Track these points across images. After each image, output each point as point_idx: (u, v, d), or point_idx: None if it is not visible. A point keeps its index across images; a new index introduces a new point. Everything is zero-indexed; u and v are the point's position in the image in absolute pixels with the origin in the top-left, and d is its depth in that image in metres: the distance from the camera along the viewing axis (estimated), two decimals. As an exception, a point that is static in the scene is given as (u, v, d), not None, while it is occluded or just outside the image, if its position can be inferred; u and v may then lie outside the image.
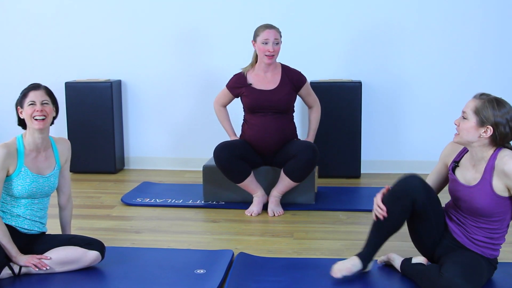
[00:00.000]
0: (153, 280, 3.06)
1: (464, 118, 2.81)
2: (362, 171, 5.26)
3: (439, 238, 2.99)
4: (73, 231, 3.49)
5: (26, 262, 3.04)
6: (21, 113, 3.11)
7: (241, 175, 4.19)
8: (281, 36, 4.22)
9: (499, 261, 3.05)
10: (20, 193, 3.08)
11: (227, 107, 4.46)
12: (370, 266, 3.08)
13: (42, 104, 3.08)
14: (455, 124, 2.86)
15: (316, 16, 5.29)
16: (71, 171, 5.40)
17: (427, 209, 2.94)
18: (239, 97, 4.35)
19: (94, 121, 5.36)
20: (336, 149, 5.14)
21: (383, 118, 5.34)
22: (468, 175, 2.90)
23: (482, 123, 2.77)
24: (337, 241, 3.68)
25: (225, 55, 5.39)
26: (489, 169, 2.82)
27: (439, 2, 5.17)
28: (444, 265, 2.80)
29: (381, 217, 2.94)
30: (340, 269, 3.00)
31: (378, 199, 2.98)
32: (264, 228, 3.96)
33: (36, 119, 3.06)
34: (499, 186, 2.80)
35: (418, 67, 5.26)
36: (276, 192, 4.24)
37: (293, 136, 4.35)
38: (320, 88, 5.09)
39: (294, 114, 4.39)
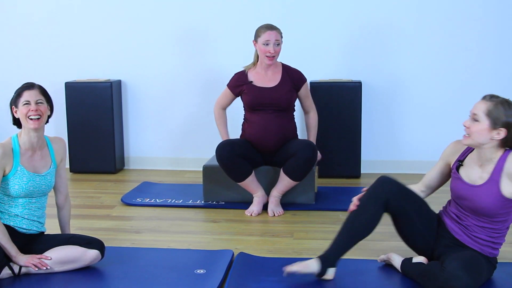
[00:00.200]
0: (153, 280, 3.06)
1: (476, 120, 2.80)
2: (362, 171, 5.26)
3: (431, 238, 3.00)
4: (73, 231, 3.50)
5: (26, 262, 3.04)
6: (15, 112, 3.12)
7: (243, 174, 4.19)
8: (282, 37, 4.23)
9: (499, 261, 3.05)
10: (17, 192, 3.08)
11: (227, 110, 4.47)
12: (330, 272, 2.96)
13: (36, 103, 3.08)
14: (465, 126, 2.84)
15: (316, 16, 5.29)
16: (71, 171, 5.41)
17: (407, 211, 2.97)
18: (240, 96, 4.35)
19: (94, 121, 5.36)
20: (336, 149, 5.14)
21: (383, 118, 5.34)
22: (473, 174, 2.90)
23: (494, 125, 2.77)
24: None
25: (226, 55, 5.39)
26: (498, 171, 2.83)
27: (439, 2, 5.17)
28: (445, 261, 2.81)
29: (354, 207, 2.96)
30: (294, 266, 2.95)
31: (355, 198, 3.01)
32: (264, 228, 3.96)
33: (31, 119, 3.06)
34: (506, 188, 2.81)
35: (418, 67, 5.26)
36: (276, 192, 4.24)
37: (293, 135, 4.35)
38: (320, 88, 5.09)
39: (294, 114, 4.39)
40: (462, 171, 2.95)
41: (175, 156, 5.61)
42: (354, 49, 5.29)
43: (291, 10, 5.30)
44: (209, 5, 5.39)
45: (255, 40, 4.23)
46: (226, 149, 4.15)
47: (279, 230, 3.92)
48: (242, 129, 4.38)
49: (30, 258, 3.05)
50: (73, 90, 5.37)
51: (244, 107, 4.37)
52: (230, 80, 4.38)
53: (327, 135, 5.10)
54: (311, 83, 5.08)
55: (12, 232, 3.09)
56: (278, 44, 4.19)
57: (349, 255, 3.23)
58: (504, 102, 2.78)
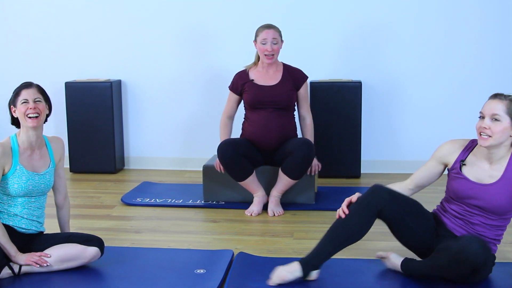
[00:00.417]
0: (153, 280, 3.06)
1: (497, 120, 2.80)
2: (362, 171, 5.26)
3: (431, 238, 2.99)
4: (73, 231, 3.49)
5: (26, 260, 3.05)
6: (14, 111, 3.12)
7: (244, 174, 4.19)
8: (281, 36, 4.23)
9: (499, 261, 3.05)
10: (16, 191, 3.08)
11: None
12: (314, 275, 2.97)
13: (34, 101, 3.09)
14: (484, 128, 2.82)
15: (316, 16, 5.29)
16: (71, 171, 5.41)
17: (402, 218, 2.97)
18: (241, 96, 4.36)
19: (94, 121, 5.36)
20: (336, 149, 5.14)
21: (383, 118, 5.34)
22: (481, 173, 2.91)
23: None
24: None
25: (226, 55, 5.39)
26: (511, 169, 2.85)
27: (438, 2, 5.17)
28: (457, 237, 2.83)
29: (342, 215, 2.94)
30: (278, 276, 2.94)
31: (345, 202, 2.99)
32: (264, 228, 3.96)
33: (29, 117, 3.06)
34: None
35: (418, 67, 5.26)
36: (276, 192, 4.24)
37: (293, 134, 4.35)
38: (320, 88, 5.10)
39: (294, 114, 4.40)
40: (467, 171, 2.94)
41: (175, 156, 5.61)
42: (354, 49, 5.29)
43: (291, 10, 5.30)
44: (209, 5, 5.39)
45: (255, 40, 4.25)
46: (228, 148, 4.16)
47: (279, 230, 3.92)
48: (242, 128, 4.39)
49: (30, 256, 3.06)
50: (73, 90, 5.37)
51: (244, 106, 4.38)
52: (231, 82, 4.39)
53: (327, 135, 5.11)
54: (311, 83, 5.08)
55: (12, 231, 3.09)
56: (276, 43, 4.19)
57: (349, 255, 3.24)
58: None
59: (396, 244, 3.32)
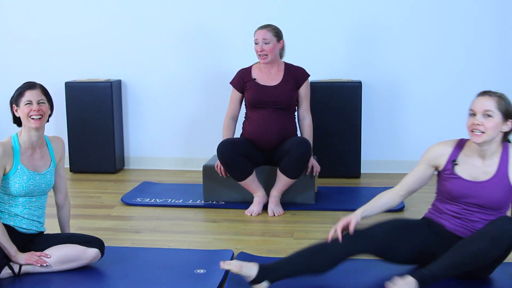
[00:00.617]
0: (153, 280, 3.06)
1: (489, 116, 2.82)
2: (362, 171, 5.26)
3: (428, 247, 2.98)
4: (73, 231, 3.50)
5: (26, 260, 3.05)
6: (16, 111, 3.12)
7: (244, 173, 4.19)
8: (276, 36, 4.23)
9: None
10: (17, 191, 3.08)
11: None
12: (265, 284, 2.88)
13: (38, 103, 3.09)
14: (478, 124, 2.83)
15: (316, 16, 5.29)
16: (71, 171, 5.41)
17: (395, 247, 2.95)
18: (243, 94, 4.36)
19: (94, 121, 5.37)
20: (336, 149, 5.14)
21: (383, 118, 5.34)
22: (474, 171, 2.92)
23: (506, 118, 2.84)
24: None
25: (226, 55, 5.39)
26: (504, 163, 2.88)
27: (439, 2, 5.17)
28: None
29: (329, 237, 2.91)
30: (235, 264, 2.89)
31: (339, 226, 2.93)
32: (264, 228, 3.96)
33: (33, 118, 3.07)
34: None
35: (418, 67, 5.26)
36: (275, 192, 4.24)
37: (293, 134, 4.35)
38: (320, 88, 5.10)
39: (295, 114, 4.40)
40: (460, 170, 2.95)
41: (176, 156, 5.61)
42: (354, 49, 5.29)
43: (291, 11, 5.30)
44: (209, 5, 5.39)
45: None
46: (228, 148, 4.16)
47: (279, 230, 3.92)
48: (243, 128, 4.39)
49: (30, 256, 3.06)
50: (73, 90, 5.37)
51: (245, 105, 4.38)
52: (233, 79, 4.40)
53: (327, 135, 5.11)
54: (311, 83, 5.07)
55: (12, 231, 3.09)
56: (268, 43, 4.20)
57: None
58: (502, 95, 2.88)
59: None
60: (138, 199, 4.55)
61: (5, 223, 3.08)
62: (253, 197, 4.28)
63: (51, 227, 3.45)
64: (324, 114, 5.08)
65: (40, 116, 3.08)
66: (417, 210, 4.08)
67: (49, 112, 3.16)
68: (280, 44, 4.27)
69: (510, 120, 2.85)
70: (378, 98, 5.31)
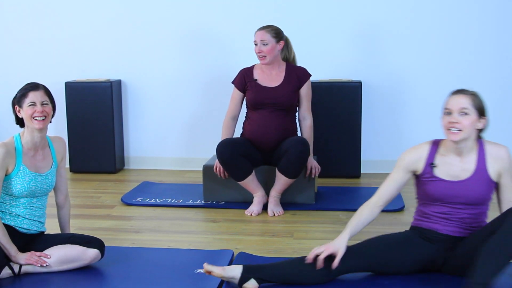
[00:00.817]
0: (153, 280, 3.06)
1: (466, 114, 2.85)
2: (362, 171, 5.26)
3: (420, 255, 2.98)
4: (73, 231, 3.50)
5: (26, 260, 3.05)
6: (19, 112, 3.11)
7: (243, 173, 4.19)
8: (276, 37, 4.21)
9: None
10: (19, 192, 3.08)
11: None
12: (253, 283, 2.87)
13: (42, 104, 3.08)
14: (456, 123, 2.86)
15: (316, 16, 5.29)
16: (71, 171, 5.41)
17: (389, 261, 2.96)
18: (244, 93, 4.35)
19: (94, 121, 5.37)
20: (336, 149, 5.14)
21: (383, 118, 5.34)
22: (454, 170, 2.94)
23: (480, 115, 2.88)
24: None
25: (226, 55, 5.39)
26: (482, 158, 2.92)
27: (438, 1, 5.17)
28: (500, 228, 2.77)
29: (309, 258, 2.89)
30: (221, 272, 2.88)
31: (323, 254, 2.88)
32: (264, 228, 3.96)
33: (36, 119, 3.06)
34: (493, 172, 2.92)
35: (418, 67, 5.26)
36: (275, 192, 4.24)
37: (294, 135, 4.34)
38: (320, 88, 5.09)
39: (296, 115, 4.39)
40: (440, 172, 2.95)
41: (176, 156, 5.61)
42: (354, 49, 5.29)
43: (291, 11, 5.30)
44: (210, 5, 5.39)
45: None
46: (227, 147, 4.16)
47: (279, 230, 3.92)
48: (243, 127, 4.39)
49: (30, 256, 3.06)
50: (73, 90, 5.37)
51: (246, 105, 4.37)
52: (235, 78, 4.39)
53: (327, 135, 5.11)
54: (311, 83, 5.07)
55: (13, 232, 3.09)
56: (266, 44, 4.18)
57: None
58: (475, 93, 2.93)
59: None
60: (138, 199, 4.55)
61: (5, 223, 3.08)
62: (253, 197, 4.28)
63: (52, 227, 3.44)
64: (324, 114, 5.08)
65: (44, 117, 3.08)
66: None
67: (52, 113, 3.17)
68: (280, 45, 4.25)
69: (484, 117, 2.90)
70: (378, 98, 5.31)
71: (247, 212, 4.23)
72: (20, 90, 3.12)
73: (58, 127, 5.45)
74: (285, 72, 4.30)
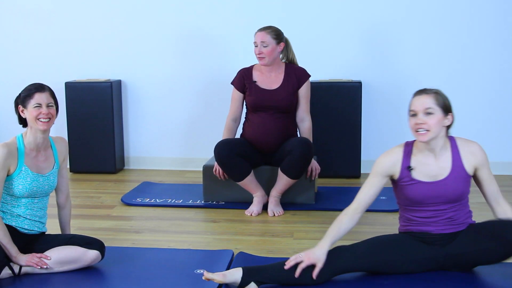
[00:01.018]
0: (153, 280, 3.06)
1: (430, 114, 2.87)
2: (362, 171, 5.25)
3: (417, 254, 2.98)
4: (73, 231, 3.50)
5: (27, 261, 3.05)
6: (22, 111, 3.10)
7: (241, 173, 4.19)
8: (276, 38, 4.19)
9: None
10: (20, 192, 3.08)
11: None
12: (253, 286, 2.87)
13: (47, 106, 3.09)
14: (422, 123, 2.86)
15: (316, 16, 5.29)
16: (71, 171, 5.42)
17: (376, 264, 2.96)
18: (244, 94, 4.33)
19: (94, 121, 5.37)
20: (336, 149, 5.14)
21: (383, 118, 5.34)
22: (431, 171, 2.94)
23: (446, 112, 2.90)
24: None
25: (226, 56, 5.39)
26: (456, 155, 2.94)
27: (438, 1, 5.17)
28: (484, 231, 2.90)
29: (287, 265, 2.89)
30: (222, 278, 2.87)
31: (304, 263, 2.88)
32: (264, 228, 3.96)
33: (41, 121, 3.07)
34: (469, 167, 2.94)
35: (418, 67, 5.26)
36: (276, 192, 4.24)
37: (294, 136, 4.34)
38: (320, 88, 5.09)
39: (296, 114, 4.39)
40: (417, 174, 2.95)
41: (175, 156, 5.61)
42: (354, 49, 5.29)
43: (291, 11, 5.30)
44: (210, 6, 5.39)
45: None
46: (224, 148, 4.15)
47: (279, 230, 3.92)
48: (243, 128, 4.38)
49: (30, 257, 3.05)
50: (73, 90, 5.37)
51: (246, 106, 4.37)
52: (234, 78, 4.37)
53: (327, 135, 5.11)
54: (311, 83, 5.07)
55: (14, 232, 3.09)
56: (266, 46, 4.15)
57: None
58: (438, 91, 2.95)
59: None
60: (138, 199, 4.55)
61: (6, 223, 3.08)
62: (252, 197, 4.28)
63: (52, 227, 3.45)
64: (324, 114, 5.08)
65: (48, 119, 3.08)
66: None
67: (56, 114, 3.17)
68: (280, 47, 4.23)
69: (449, 113, 2.91)
70: (378, 98, 5.31)
71: (247, 212, 4.23)
72: (25, 90, 3.11)
73: (58, 127, 5.44)
74: (284, 74, 4.28)
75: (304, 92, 4.30)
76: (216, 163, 4.27)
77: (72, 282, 3.04)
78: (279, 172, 4.20)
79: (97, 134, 5.39)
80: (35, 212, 3.17)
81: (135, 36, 5.50)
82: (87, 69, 5.56)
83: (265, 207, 4.26)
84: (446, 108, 2.90)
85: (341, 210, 4.20)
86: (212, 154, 4.71)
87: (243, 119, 4.43)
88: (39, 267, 3.05)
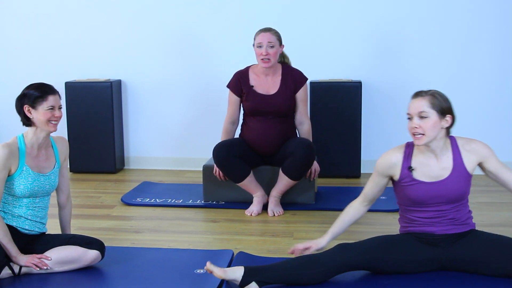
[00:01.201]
0: (153, 280, 3.06)
1: (424, 117, 2.86)
2: (362, 171, 5.26)
3: (422, 254, 2.98)
4: (73, 231, 3.50)
5: (27, 262, 3.05)
6: (29, 112, 3.08)
7: (241, 175, 4.19)
8: (279, 39, 4.17)
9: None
10: (22, 192, 3.08)
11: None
12: (253, 286, 2.86)
13: (59, 108, 3.12)
14: (415, 127, 2.87)
15: (315, 16, 5.29)
16: (71, 170, 5.42)
17: (378, 262, 2.95)
18: (241, 98, 4.30)
19: (94, 121, 5.37)
20: (336, 149, 5.14)
21: (383, 118, 5.34)
22: (432, 171, 2.94)
23: (442, 114, 2.87)
24: (337, 241, 3.66)
25: (226, 56, 5.39)
26: (457, 154, 2.93)
27: (438, 2, 5.17)
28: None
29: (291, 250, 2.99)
30: (223, 273, 2.88)
31: (307, 252, 2.97)
32: (264, 228, 3.96)
33: (52, 123, 3.09)
34: (470, 166, 2.94)
35: (418, 67, 5.26)
36: (276, 192, 4.24)
37: (293, 136, 4.33)
38: (320, 88, 5.10)
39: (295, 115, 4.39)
40: (418, 175, 2.95)
41: (175, 156, 5.61)
42: (354, 49, 5.29)
43: (290, 10, 5.30)
44: (209, 6, 5.39)
45: (253, 44, 4.20)
46: (223, 150, 4.15)
47: (279, 230, 3.92)
48: (241, 130, 4.37)
49: (30, 258, 3.05)
50: (73, 90, 5.37)
51: (244, 110, 4.34)
52: (230, 82, 4.34)
53: (327, 135, 5.11)
54: (311, 83, 5.08)
55: (14, 232, 3.09)
56: (272, 46, 4.11)
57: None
58: (435, 92, 2.92)
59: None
60: (138, 199, 4.55)
61: (7, 223, 3.08)
62: (252, 197, 4.28)
63: (52, 227, 3.45)
64: (324, 114, 5.08)
65: (57, 121, 3.11)
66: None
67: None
68: (281, 49, 4.22)
69: (448, 115, 2.88)
70: (378, 98, 5.31)
71: (247, 212, 4.23)
72: (34, 90, 3.07)
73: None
74: (281, 77, 4.23)
75: (302, 96, 4.27)
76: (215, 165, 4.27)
77: (72, 282, 3.04)
78: (280, 173, 4.19)
79: (97, 134, 5.39)
80: (36, 213, 3.17)
81: (135, 36, 5.50)
82: (87, 69, 5.56)
83: (265, 207, 4.26)
84: (443, 111, 2.87)
85: (341, 210, 4.22)
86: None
87: (240, 121, 4.41)
88: (39, 269, 3.05)
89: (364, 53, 5.29)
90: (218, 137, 4.50)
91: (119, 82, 5.52)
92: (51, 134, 3.26)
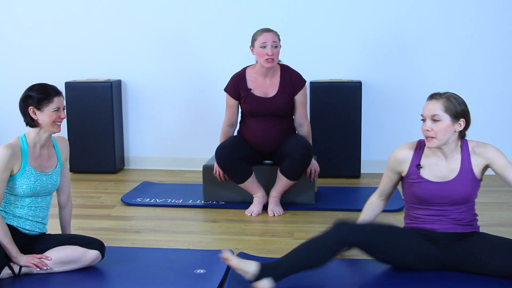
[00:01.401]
0: (153, 280, 3.06)
1: (437, 121, 2.86)
2: (362, 171, 5.26)
3: (424, 250, 2.97)
4: (73, 231, 3.50)
5: (27, 262, 3.05)
6: (34, 113, 3.08)
7: (243, 176, 4.19)
8: (279, 40, 4.17)
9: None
10: (24, 191, 3.09)
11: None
12: (266, 283, 2.83)
13: (64, 109, 3.14)
14: (427, 130, 2.88)
15: (315, 16, 5.29)
16: (71, 170, 5.42)
17: (377, 246, 2.93)
18: (239, 101, 4.28)
19: (94, 121, 5.37)
20: (336, 149, 5.14)
21: (383, 118, 5.34)
22: (440, 171, 2.96)
23: (455, 118, 2.87)
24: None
25: (225, 56, 5.39)
26: (466, 158, 2.93)
27: (439, 2, 5.17)
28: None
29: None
30: (237, 259, 2.88)
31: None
32: (264, 228, 3.96)
33: (57, 124, 3.11)
34: (478, 170, 2.94)
35: (418, 67, 5.26)
36: (275, 193, 4.24)
37: (293, 134, 4.33)
38: (320, 88, 5.10)
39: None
40: (426, 173, 2.97)
41: (175, 156, 5.61)
42: (354, 49, 5.29)
43: (290, 11, 5.30)
44: (209, 6, 5.39)
45: (252, 45, 4.15)
46: (225, 152, 4.14)
47: (279, 230, 3.92)
48: (240, 129, 4.36)
49: (30, 258, 3.06)
50: (73, 90, 5.37)
51: (242, 111, 4.34)
52: (227, 85, 4.30)
53: (327, 135, 5.11)
54: (311, 83, 5.08)
55: (14, 232, 3.09)
56: (276, 46, 4.09)
57: (349, 254, 3.23)
58: (450, 95, 2.91)
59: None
60: (138, 199, 4.55)
61: (8, 223, 3.09)
62: (253, 197, 4.28)
63: (52, 227, 3.45)
64: (324, 114, 5.09)
65: (61, 122, 3.14)
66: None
67: None
68: (280, 48, 4.23)
69: (461, 119, 2.88)
70: (378, 98, 5.31)
71: (247, 212, 4.23)
72: (39, 92, 3.07)
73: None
74: (280, 79, 4.20)
75: (300, 99, 4.25)
76: (216, 165, 4.26)
77: (72, 282, 3.04)
78: (278, 173, 4.19)
79: (97, 134, 5.39)
80: (38, 213, 3.17)
81: (135, 37, 5.50)
82: (87, 69, 5.56)
83: (265, 207, 4.26)
84: (456, 114, 2.87)
85: (341, 210, 4.25)
86: (212, 155, 4.72)
87: (239, 119, 4.41)
88: (39, 269, 3.05)
89: (364, 53, 5.29)
90: (218, 137, 4.50)
91: (119, 82, 5.52)
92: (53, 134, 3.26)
